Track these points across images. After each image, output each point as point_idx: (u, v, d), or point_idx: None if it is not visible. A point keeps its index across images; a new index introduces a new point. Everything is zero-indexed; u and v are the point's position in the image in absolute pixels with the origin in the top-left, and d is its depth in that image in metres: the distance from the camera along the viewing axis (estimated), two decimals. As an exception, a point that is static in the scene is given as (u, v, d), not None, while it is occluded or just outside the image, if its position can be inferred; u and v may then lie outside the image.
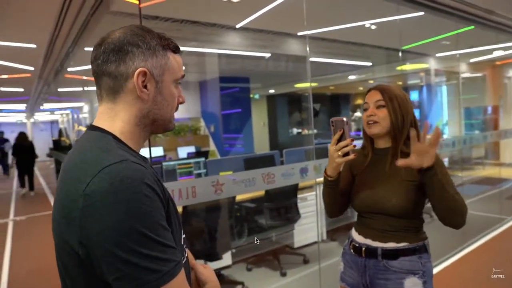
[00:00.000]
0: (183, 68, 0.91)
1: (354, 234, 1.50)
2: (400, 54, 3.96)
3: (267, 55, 5.50)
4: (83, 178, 0.68)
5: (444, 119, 9.27)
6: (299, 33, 4.78)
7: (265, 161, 4.65)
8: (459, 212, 1.26)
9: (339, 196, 1.48)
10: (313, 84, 8.11)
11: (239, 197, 3.52)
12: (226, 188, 2.09)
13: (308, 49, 3.23)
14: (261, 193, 3.56)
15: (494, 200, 5.61)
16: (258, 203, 3.73)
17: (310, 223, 4.16)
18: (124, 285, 0.65)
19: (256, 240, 3.74)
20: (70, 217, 0.68)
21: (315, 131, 11.76)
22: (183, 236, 0.88)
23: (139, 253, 0.65)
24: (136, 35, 0.80)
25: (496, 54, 7.38)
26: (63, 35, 4.18)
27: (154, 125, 0.86)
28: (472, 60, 7.65)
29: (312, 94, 3.32)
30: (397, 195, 1.36)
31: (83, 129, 8.76)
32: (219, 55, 5.72)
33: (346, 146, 1.32)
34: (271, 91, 11.55)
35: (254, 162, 4.42)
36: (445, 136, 7.70)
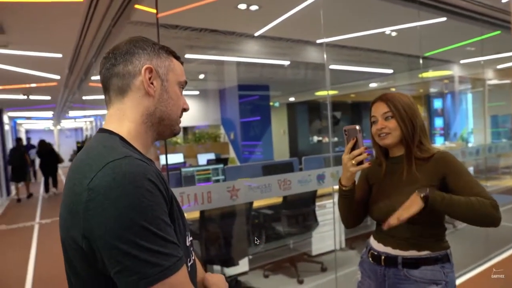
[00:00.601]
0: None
1: (373, 242, 1.48)
2: (421, 61, 3.88)
3: (287, 63, 5.51)
4: (88, 173, 0.71)
5: (469, 127, 9.02)
6: (318, 41, 4.78)
7: (283, 168, 4.63)
8: (484, 213, 1.22)
9: (354, 206, 1.46)
10: (333, 92, 8.07)
11: (256, 204, 3.51)
12: (241, 193, 2.10)
13: (325, 56, 3.22)
14: (279, 200, 3.55)
15: (522, 211, 5.40)
16: (276, 210, 3.71)
17: (328, 231, 4.11)
18: (124, 278, 0.66)
19: (256, 241, 3.74)
20: (74, 211, 0.70)
21: (335, 139, 11.66)
22: (190, 238, 0.89)
23: (140, 246, 0.66)
24: (142, 41, 0.87)
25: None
26: (87, 45, 4.32)
27: (161, 124, 0.88)
28: (499, 66, 7.44)
29: (332, 102, 3.31)
30: None
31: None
32: (239, 63, 5.77)
33: (360, 154, 1.30)
34: (291, 99, 11.54)
35: (272, 169, 4.42)
36: (470, 145, 7.49)
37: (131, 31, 3.47)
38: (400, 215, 1.22)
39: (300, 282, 3.43)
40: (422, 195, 1.22)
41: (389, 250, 1.39)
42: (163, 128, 0.89)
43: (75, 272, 0.76)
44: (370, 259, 1.45)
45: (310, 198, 3.68)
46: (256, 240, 3.71)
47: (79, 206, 0.69)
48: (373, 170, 1.47)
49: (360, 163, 1.31)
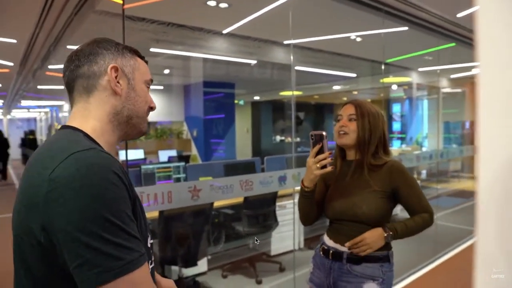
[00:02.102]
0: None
1: (326, 238, 1.58)
2: (383, 66, 4.02)
3: (253, 62, 5.52)
4: (49, 164, 0.68)
5: (424, 132, 9.46)
6: (285, 42, 4.81)
7: (245, 168, 4.64)
8: (426, 227, 1.49)
9: (314, 206, 1.55)
10: (297, 93, 8.17)
11: (218, 203, 3.49)
12: (203, 194, 2.07)
13: (292, 57, 3.25)
14: (240, 199, 3.54)
15: (468, 213, 5.72)
16: (237, 209, 3.71)
17: (287, 231, 4.15)
18: (85, 272, 0.63)
19: (256, 240, 3.75)
20: (32, 203, 0.67)
21: (297, 139, 11.84)
22: (151, 240, 0.87)
23: (102, 239, 0.63)
24: (105, 41, 0.86)
25: (475, 71, 7.58)
26: (45, 31, 4.10)
27: (129, 124, 0.86)
28: (452, 76, 7.85)
29: (296, 103, 3.34)
30: (367, 203, 1.44)
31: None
32: (205, 59, 5.69)
33: (324, 159, 1.39)
34: (256, 97, 11.58)
35: (234, 168, 4.41)
36: (424, 149, 7.85)
37: (95, 21, 3.33)
38: (364, 250, 1.41)
39: (259, 282, 3.45)
40: (387, 240, 1.44)
41: (337, 246, 1.50)
42: (130, 127, 0.87)
43: (30, 269, 0.71)
44: (321, 252, 1.57)
45: (271, 199, 3.70)
46: (256, 240, 3.73)
47: (38, 198, 0.66)
48: (330, 171, 1.53)
49: (324, 167, 1.39)
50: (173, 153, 6.83)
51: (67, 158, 0.67)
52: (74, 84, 0.84)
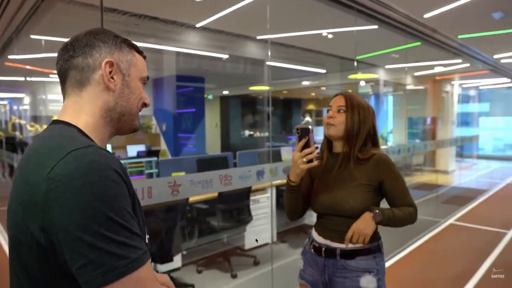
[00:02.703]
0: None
1: (315, 234, 1.57)
2: (355, 63, 4.13)
3: (225, 56, 5.49)
4: (47, 163, 0.66)
5: (389, 127, 9.80)
6: (259, 37, 4.83)
7: (218, 163, 4.63)
8: (411, 221, 1.49)
9: (300, 200, 1.54)
10: (267, 88, 8.22)
11: (192, 198, 3.47)
12: (183, 189, 2.06)
13: (269, 53, 3.27)
14: (214, 194, 3.54)
15: (431, 204, 6.01)
16: (211, 204, 3.70)
17: (261, 225, 4.21)
18: (89, 272, 0.62)
19: (256, 240, 3.78)
20: (30, 203, 0.65)
21: (266, 134, 11.92)
22: (147, 237, 0.86)
23: (105, 237, 0.62)
24: (102, 33, 0.83)
25: (437, 69, 7.94)
26: (6, 18, 3.88)
27: (121, 120, 0.85)
28: (416, 74, 8.17)
29: (265, 98, 3.37)
30: (354, 197, 1.44)
31: (22, 122, 8.19)
32: (176, 53, 5.60)
33: (311, 153, 1.38)
34: (225, 92, 11.54)
35: (207, 163, 4.39)
36: (390, 144, 8.14)
37: (62, 10, 3.19)
38: (361, 239, 1.39)
39: (234, 276, 3.47)
40: (376, 220, 1.40)
41: (328, 242, 1.49)
42: (122, 124, 0.86)
43: (27, 270, 0.69)
44: (312, 250, 1.55)
45: (245, 193, 3.72)
46: (256, 240, 3.72)
47: (37, 197, 0.64)
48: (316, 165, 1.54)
49: (310, 161, 1.38)
50: (142, 148, 6.69)
51: (65, 156, 0.66)
52: (67, 75, 0.81)
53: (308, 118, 13.62)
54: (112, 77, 0.81)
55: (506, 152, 13.16)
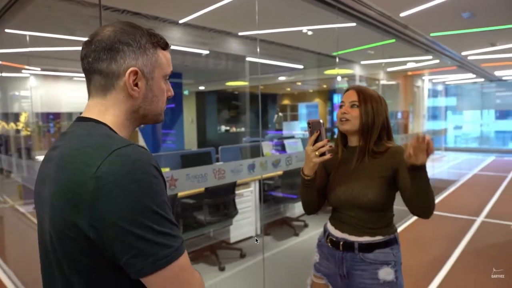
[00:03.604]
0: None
1: (331, 228, 1.58)
2: (337, 60, 4.25)
3: (206, 52, 5.50)
4: (91, 161, 0.70)
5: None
6: (240, 33, 4.87)
7: (201, 158, 4.68)
8: (432, 203, 1.35)
9: (316, 194, 1.54)
10: (245, 83, 8.27)
11: (180, 193, 3.51)
12: (179, 183, 2.10)
13: (258, 49, 3.33)
14: (200, 189, 3.58)
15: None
16: (198, 199, 3.75)
17: (245, 219, 4.29)
18: (140, 262, 0.68)
19: (256, 240, 3.82)
20: (77, 201, 0.69)
21: (242, 129, 11.98)
22: None
23: (153, 230, 0.68)
24: (127, 33, 0.81)
25: (409, 65, 8.24)
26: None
27: (145, 119, 0.89)
28: (389, 69, 8.44)
29: (241, 93, 3.43)
30: (372, 190, 1.44)
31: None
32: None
33: (323, 146, 1.38)
34: (201, 87, 11.49)
35: (191, 159, 4.42)
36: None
37: (42, 4, 3.12)
38: (409, 157, 1.24)
39: (222, 269, 3.54)
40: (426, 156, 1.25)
41: (346, 236, 1.51)
42: (147, 121, 0.89)
43: (73, 262, 0.73)
44: (329, 244, 1.56)
45: (230, 187, 3.79)
46: (256, 240, 3.74)
47: (85, 196, 0.68)
48: (331, 159, 1.50)
49: (322, 154, 1.39)
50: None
51: (110, 155, 0.70)
52: (92, 77, 0.83)
53: (280, 114, 13.80)
54: (136, 84, 0.82)
55: (472, 144, 13.82)
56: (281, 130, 13.81)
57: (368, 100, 1.49)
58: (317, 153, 1.39)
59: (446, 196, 6.42)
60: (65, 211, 0.71)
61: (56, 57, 5.83)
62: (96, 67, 0.81)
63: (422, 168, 1.27)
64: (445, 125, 12.22)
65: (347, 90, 1.56)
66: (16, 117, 6.29)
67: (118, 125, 0.83)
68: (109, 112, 0.83)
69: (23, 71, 5.77)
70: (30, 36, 4.15)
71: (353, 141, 1.56)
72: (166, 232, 0.70)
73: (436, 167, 9.70)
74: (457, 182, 7.56)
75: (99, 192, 0.67)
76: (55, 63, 6.53)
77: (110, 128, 0.81)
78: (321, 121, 1.40)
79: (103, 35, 0.81)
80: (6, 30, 4.00)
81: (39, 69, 6.85)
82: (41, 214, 0.82)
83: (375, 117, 1.48)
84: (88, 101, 0.86)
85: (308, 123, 1.42)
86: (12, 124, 6.33)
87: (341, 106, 1.54)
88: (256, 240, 3.93)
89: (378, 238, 1.48)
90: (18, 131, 5.90)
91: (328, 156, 1.40)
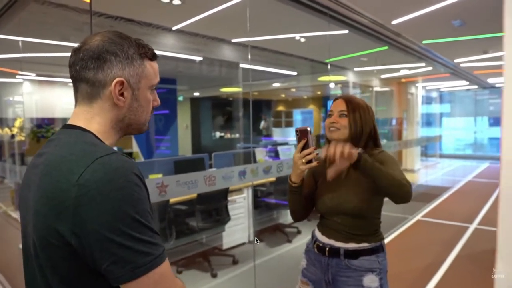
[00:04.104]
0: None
1: (318, 234, 1.60)
2: (329, 66, 4.28)
3: (199, 58, 5.52)
4: (75, 169, 0.71)
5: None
6: (234, 40, 4.89)
7: (194, 164, 4.66)
8: (400, 183, 1.34)
9: (303, 201, 1.56)
10: (238, 89, 8.30)
11: (172, 199, 3.50)
12: (170, 189, 2.10)
13: (249, 56, 3.34)
14: (193, 195, 3.57)
15: (399, 202, 6.29)
16: (190, 205, 3.74)
17: (237, 225, 4.28)
18: (119, 268, 0.68)
19: (256, 241, 3.80)
20: (60, 207, 0.69)
21: (236, 135, 11.99)
22: None
23: (133, 237, 0.69)
24: (114, 43, 0.82)
25: (402, 72, 8.31)
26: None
27: (129, 128, 0.90)
28: (382, 76, 8.51)
29: (235, 99, 3.45)
30: (357, 197, 1.46)
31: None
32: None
33: (309, 154, 1.41)
34: (196, 94, 11.50)
35: (184, 165, 4.41)
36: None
37: (37, 11, 3.13)
38: (339, 167, 1.33)
39: (214, 275, 3.52)
40: (358, 150, 1.33)
41: (332, 242, 1.52)
42: (131, 130, 0.90)
43: (55, 268, 0.74)
44: (316, 250, 1.57)
45: (223, 194, 3.78)
46: (256, 240, 3.72)
47: (67, 202, 0.69)
48: (319, 167, 1.53)
49: (309, 162, 1.41)
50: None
51: (93, 163, 0.71)
52: (78, 85, 0.84)
53: (264, 122, 13.82)
54: (121, 94, 0.83)
55: (466, 151, 13.90)
56: (270, 136, 13.83)
57: (356, 109, 1.51)
58: (304, 160, 1.41)
59: (440, 203, 6.44)
60: (48, 218, 0.71)
61: (51, 63, 5.83)
62: (83, 75, 0.82)
63: (361, 162, 1.33)
64: (439, 131, 12.31)
65: (336, 99, 1.58)
66: (10, 122, 6.26)
67: (103, 133, 0.84)
68: (95, 120, 0.84)
69: (17, 76, 5.75)
70: (24, 41, 4.15)
71: None
72: (146, 240, 0.71)
73: (430, 174, 9.74)
74: (451, 189, 7.59)
75: (81, 199, 0.68)
76: (49, 69, 6.52)
77: (96, 136, 0.82)
78: (308, 128, 1.43)
79: (91, 44, 0.82)
80: (1, 36, 4.00)
81: (34, 74, 6.85)
82: (25, 220, 0.83)
83: (363, 126, 1.51)
84: (75, 108, 0.86)
85: (296, 131, 1.44)
86: (6, 130, 6.30)
87: (329, 115, 1.56)
88: (256, 241, 3.93)
89: (364, 245, 1.49)
90: (13, 136, 5.87)
91: (314, 163, 1.42)
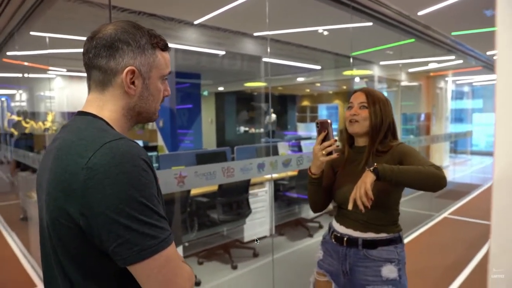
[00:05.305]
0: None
1: (336, 224, 1.60)
2: (351, 60, 4.21)
3: (222, 52, 5.54)
4: (84, 153, 0.73)
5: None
6: (256, 34, 4.88)
7: (216, 157, 4.70)
8: (430, 174, 1.31)
9: (322, 192, 1.58)
10: (263, 84, 8.29)
11: (193, 191, 3.54)
12: (188, 180, 2.13)
13: (269, 49, 3.33)
14: (214, 188, 3.61)
15: (425, 199, 6.12)
16: (211, 197, 3.78)
17: (259, 218, 4.29)
18: (126, 250, 0.70)
19: (256, 241, 3.86)
20: (71, 190, 0.72)
21: (261, 130, 11.99)
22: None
23: (139, 220, 0.71)
24: (127, 32, 0.84)
25: (431, 66, 8.05)
26: (8, 14, 3.90)
27: (140, 116, 0.92)
28: (410, 70, 8.27)
29: (260, 94, 3.44)
30: (376, 188, 1.40)
31: (16, 118, 8.17)
32: (174, 49, 5.65)
33: (330, 146, 1.42)
34: (220, 88, 11.57)
35: (206, 158, 4.46)
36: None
37: (64, 7, 3.23)
38: (359, 193, 1.29)
39: (234, 267, 3.56)
40: (371, 169, 1.32)
41: (350, 232, 1.52)
42: (141, 119, 0.92)
43: (66, 248, 0.77)
44: (333, 240, 1.58)
45: (244, 187, 3.80)
46: (256, 240, 3.82)
47: (76, 185, 0.71)
48: (338, 158, 1.54)
49: (329, 153, 1.43)
50: (140, 143, 6.73)
51: (101, 147, 0.73)
52: (91, 72, 0.87)
53: (273, 116, 13.70)
54: (132, 83, 0.85)
55: (498, 148, 13.32)
56: (285, 131, 13.72)
57: (376, 101, 1.53)
58: (324, 152, 1.43)
59: (468, 201, 6.24)
60: (58, 199, 0.74)
61: (79, 58, 5.99)
62: (95, 63, 0.84)
63: (380, 177, 1.31)
64: (470, 127, 11.87)
65: (355, 92, 1.59)
66: (43, 116, 6.52)
67: (114, 120, 0.86)
68: (107, 108, 0.86)
69: (48, 72, 5.96)
70: (52, 38, 4.29)
71: (360, 141, 1.59)
72: (152, 223, 0.72)
73: (459, 171, 9.44)
74: (481, 187, 7.33)
75: (89, 182, 0.70)
76: (78, 64, 6.71)
77: (107, 124, 0.84)
78: (329, 121, 1.44)
79: (104, 32, 0.84)
80: (31, 33, 4.16)
81: (65, 70, 7.08)
82: (40, 202, 0.86)
83: (383, 118, 1.52)
84: (87, 95, 0.89)
85: (316, 123, 1.46)
86: (40, 123, 6.56)
87: (349, 108, 1.57)
88: (256, 241, 3.93)
89: (383, 235, 1.49)
90: (45, 130, 6.12)
91: (334, 155, 1.44)
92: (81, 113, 0.87)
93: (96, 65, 0.84)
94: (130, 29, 0.85)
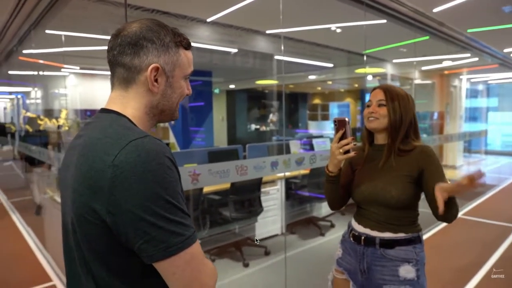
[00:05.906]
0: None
1: (354, 224, 1.59)
2: (365, 58, 4.16)
3: (234, 50, 5.54)
4: (110, 151, 0.74)
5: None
6: (268, 31, 4.86)
7: (228, 155, 4.71)
8: (456, 214, 1.38)
9: (340, 190, 1.57)
10: (274, 82, 8.27)
11: (205, 189, 3.56)
12: (202, 178, 2.13)
13: (282, 47, 3.32)
14: (226, 185, 3.62)
15: (438, 199, 6.07)
16: (224, 195, 3.79)
17: (270, 217, 4.29)
18: (152, 247, 0.71)
19: (256, 240, 3.87)
20: (96, 187, 0.73)
21: (272, 127, 11.97)
22: None
23: (165, 218, 0.71)
24: (151, 30, 0.84)
25: (445, 64, 7.93)
26: (25, 12, 3.96)
27: (162, 115, 0.92)
28: (423, 68, 8.16)
29: (271, 92, 3.42)
30: (395, 187, 1.44)
31: (31, 115, 8.30)
32: (186, 47, 5.68)
33: (347, 144, 1.42)
34: (232, 86, 11.59)
35: (218, 156, 4.47)
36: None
37: (79, 5, 3.26)
38: (442, 196, 1.24)
39: (246, 265, 3.56)
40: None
41: (368, 231, 1.51)
42: (163, 117, 0.93)
43: (91, 244, 0.77)
44: (351, 239, 1.57)
45: (256, 185, 3.80)
46: (256, 240, 3.83)
47: (103, 182, 0.72)
48: (357, 156, 1.52)
49: (347, 152, 1.42)
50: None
51: (127, 145, 0.73)
52: (115, 70, 0.87)
53: (276, 115, 13.62)
54: (156, 80, 0.86)
55: (514, 147, 13.10)
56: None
57: (395, 98, 1.49)
58: (341, 150, 1.42)
59: (483, 201, 6.14)
60: (85, 196, 0.75)
61: (92, 56, 6.06)
62: (120, 60, 0.85)
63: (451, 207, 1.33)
64: (485, 126, 11.66)
65: (374, 89, 1.56)
66: (56, 113, 6.61)
67: (138, 118, 0.87)
68: (130, 105, 0.87)
69: (62, 69, 6.04)
70: (67, 36, 4.34)
71: (380, 139, 1.56)
72: (178, 221, 0.73)
73: (473, 171, 9.27)
74: (496, 187, 7.21)
75: (116, 180, 0.71)
76: (92, 62, 6.79)
77: (131, 121, 0.85)
78: (346, 119, 1.42)
79: (129, 30, 0.85)
80: (47, 31, 4.21)
81: (78, 68, 7.16)
82: (64, 197, 0.87)
83: (403, 115, 1.48)
84: (111, 93, 0.90)
85: (334, 121, 1.44)
86: (54, 120, 6.66)
87: (368, 106, 1.55)
88: (256, 240, 3.93)
89: (401, 235, 1.47)
90: (59, 126, 6.21)
91: (352, 154, 1.43)
92: (104, 110, 0.87)
93: (121, 62, 0.85)
94: (155, 27, 0.85)
